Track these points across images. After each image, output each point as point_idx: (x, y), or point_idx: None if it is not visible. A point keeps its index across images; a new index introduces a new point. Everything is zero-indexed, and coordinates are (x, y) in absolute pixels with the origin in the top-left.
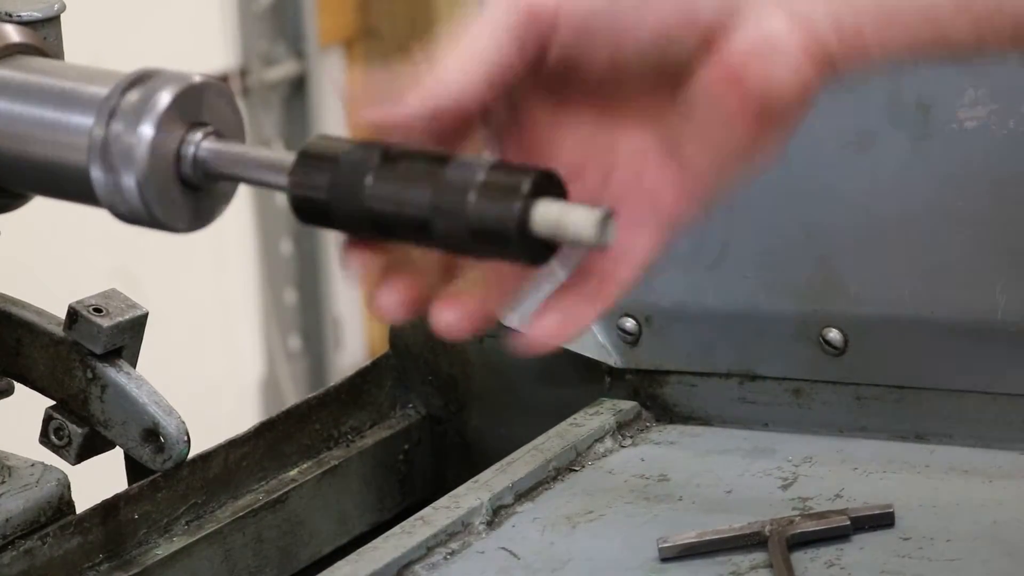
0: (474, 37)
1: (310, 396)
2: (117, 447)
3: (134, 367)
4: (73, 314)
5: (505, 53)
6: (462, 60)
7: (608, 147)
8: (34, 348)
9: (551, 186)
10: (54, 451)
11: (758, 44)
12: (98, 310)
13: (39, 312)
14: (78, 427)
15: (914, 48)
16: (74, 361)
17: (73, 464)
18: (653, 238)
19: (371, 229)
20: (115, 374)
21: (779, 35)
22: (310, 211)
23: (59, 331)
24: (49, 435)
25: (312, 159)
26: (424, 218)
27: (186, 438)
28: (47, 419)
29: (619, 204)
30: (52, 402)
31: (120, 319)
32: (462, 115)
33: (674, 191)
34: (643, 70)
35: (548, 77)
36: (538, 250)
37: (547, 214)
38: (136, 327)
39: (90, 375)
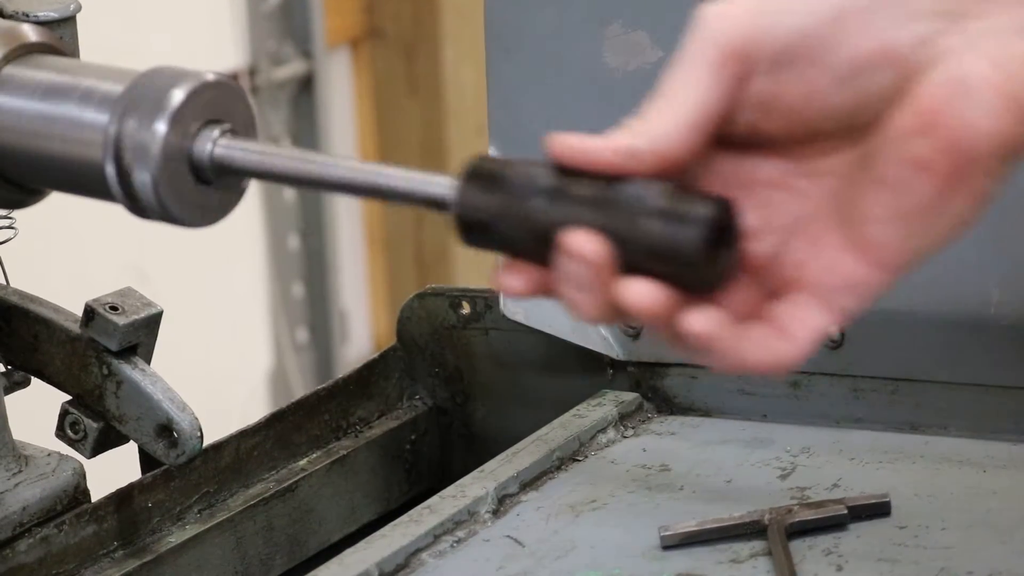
0: (680, 82)
1: (319, 387)
2: (131, 441)
3: (149, 364)
4: (90, 312)
5: (709, 96)
6: (670, 108)
7: (785, 204)
8: (51, 344)
9: (728, 214)
10: (70, 445)
11: (953, 86)
12: (114, 308)
13: (56, 309)
14: (93, 422)
15: None
16: (90, 357)
17: (88, 458)
18: (825, 314)
19: (539, 251)
20: (130, 370)
21: (976, 77)
22: (477, 231)
23: (75, 328)
24: (65, 429)
25: (480, 179)
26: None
27: (199, 434)
28: (63, 413)
29: (795, 277)
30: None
31: (136, 317)
32: (670, 163)
33: (854, 260)
34: (835, 111)
35: (737, 125)
36: (717, 276)
37: None
38: (151, 325)
39: (106, 371)
